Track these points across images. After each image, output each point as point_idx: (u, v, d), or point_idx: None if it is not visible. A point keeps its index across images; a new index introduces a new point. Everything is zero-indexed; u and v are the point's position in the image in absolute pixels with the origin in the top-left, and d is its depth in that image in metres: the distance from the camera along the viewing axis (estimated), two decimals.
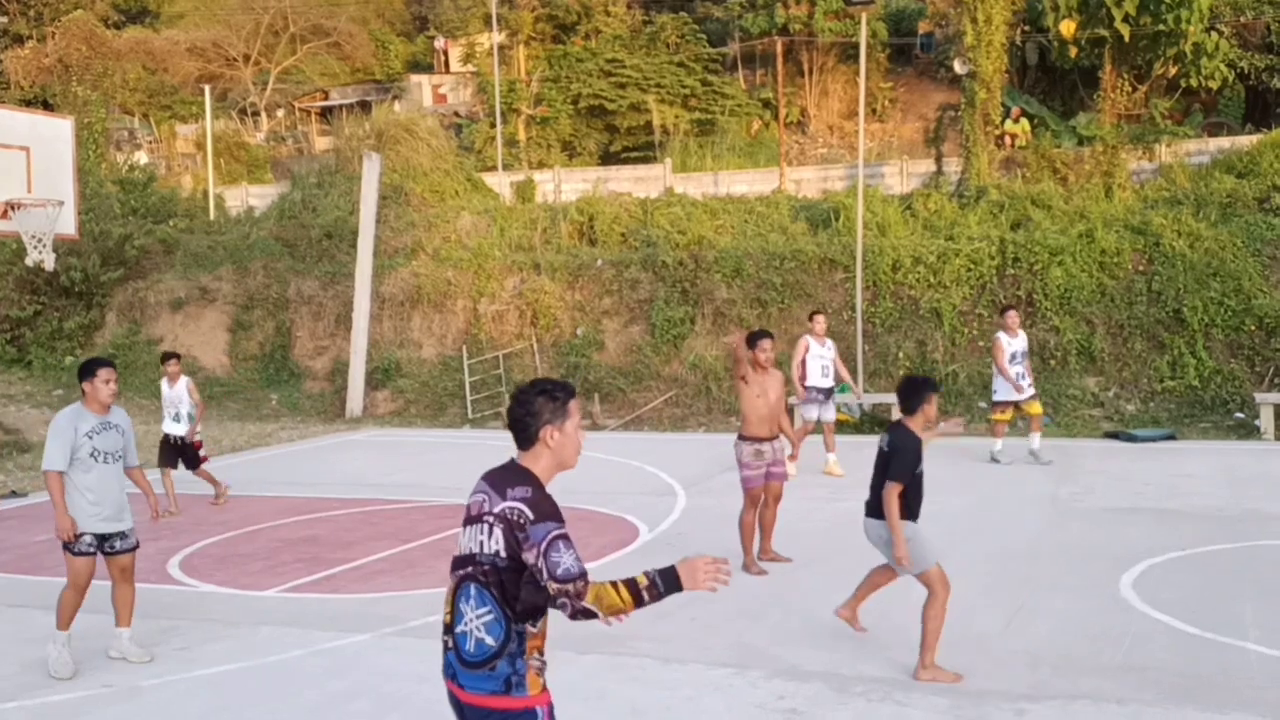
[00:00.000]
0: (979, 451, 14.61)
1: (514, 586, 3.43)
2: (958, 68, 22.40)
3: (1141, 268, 18.47)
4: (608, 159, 29.15)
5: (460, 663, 3.51)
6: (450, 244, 23.37)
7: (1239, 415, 16.55)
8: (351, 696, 6.34)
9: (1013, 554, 9.25)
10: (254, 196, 28.42)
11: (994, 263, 18.96)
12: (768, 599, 8.04)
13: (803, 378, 13.40)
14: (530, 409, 3.58)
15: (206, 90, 30.46)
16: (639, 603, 3.40)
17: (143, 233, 24.82)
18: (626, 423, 19.13)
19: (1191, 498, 11.41)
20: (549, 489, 3.53)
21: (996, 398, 13.79)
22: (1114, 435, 15.95)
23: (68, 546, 6.83)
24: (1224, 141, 22.02)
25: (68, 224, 13.75)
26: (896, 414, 7.25)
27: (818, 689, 6.24)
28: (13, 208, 12.95)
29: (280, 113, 37.95)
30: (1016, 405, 13.66)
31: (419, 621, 7.54)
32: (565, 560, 3.35)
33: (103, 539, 6.91)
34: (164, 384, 12.63)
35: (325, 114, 36.73)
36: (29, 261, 13.63)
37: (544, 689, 3.52)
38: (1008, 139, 23.22)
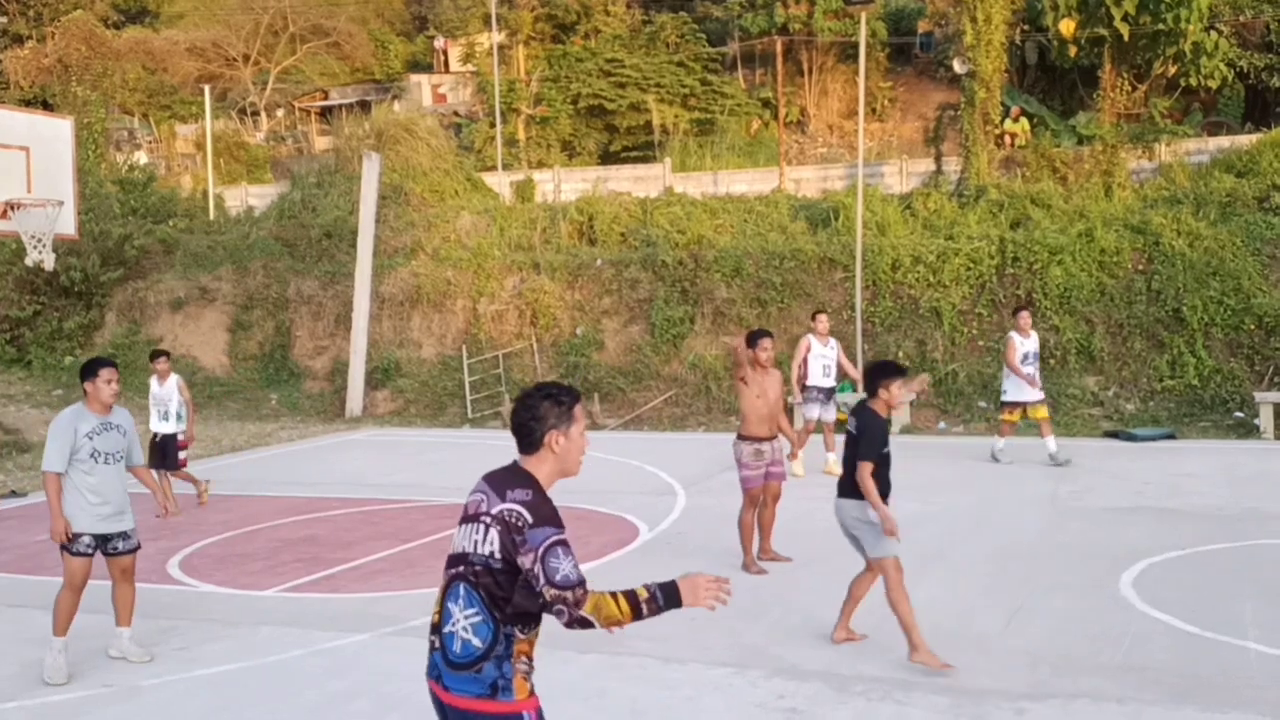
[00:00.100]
0: (979, 451, 14.62)
1: (504, 589, 3.38)
2: (957, 67, 22.40)
3: (1141, 267, 18.47)
4: (607, 159, 29.15)
5: (446, 663, 3.45)
6: (450, 244, 23.37)
7: (1238, 414, 16.55)
8: (351, 696, 6.34)
9: (1013, 553, 9.25)
10: (254, 196, 28.42)
11: (993, 262, 18.96)
12: (768, 599, 8.04)
13: (804, 377, 13.39)
14: (535, 413, 3.53)
15: (206, 90, 30.46)
16: (637, 615, 3.34)
17: (142, 233, 24.82)
18: (626, 422, 19.14)
19: (1191, 497, 11.41)
20: (549, 494, 3.49)
21: (1006, 398, 13.69)
22: (1114, 434, 15.95)
23: (66, 547, 6.79)
24: (1223, 141, 22.03)
25: (67, 224, 13.74)
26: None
27: (817, 688, 6.24)
28: (12, 208, 12.94)
29: (280, 113, 37.95)
30: (1025, 407, 13.56)
31: (419, 621, 7.53)
32: (564, 567, 3.31)
33: (104, 539, 6.88)
34: (153, 382, 12.46)
35: (325, 114, 36.73)
36: (29, 261, 13.62)
37: (531, 693, 3.47)
38: (1007, 138, 23.22)
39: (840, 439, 13.79)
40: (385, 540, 10.44)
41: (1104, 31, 21.84)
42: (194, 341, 23.69)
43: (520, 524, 3.36)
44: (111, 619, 7.13)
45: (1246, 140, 21.34)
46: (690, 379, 19.86)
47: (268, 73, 37.43)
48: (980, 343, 18.70)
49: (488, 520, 3.43)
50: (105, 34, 35.48)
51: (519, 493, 3.43)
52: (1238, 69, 23.47)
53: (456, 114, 32.97)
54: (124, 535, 6.97)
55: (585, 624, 3.30)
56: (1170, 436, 15.59)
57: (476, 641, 3.40)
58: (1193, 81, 23.02)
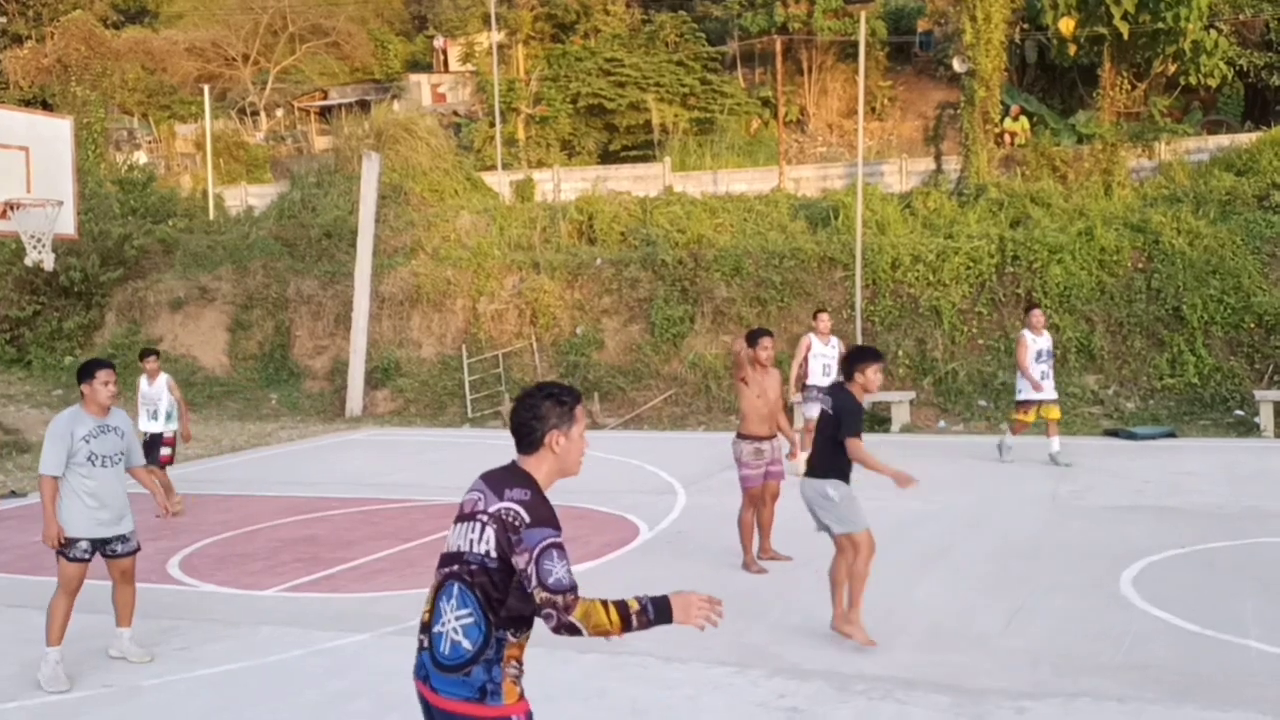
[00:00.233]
0: (979, 450, 14.63)
1: (500, 589, 3.33)
2: (957, 66, 22.40)
3: (1141, 265, 18.47)
4: (607, 158, 29.15)
5: (434, 665, 3.40)
6: (449, 243, 23.36)
7: (1239, 413, 16.55)
8: (352, 696, 6.34)
9: (1013, 552, 9.25)
10: (253, 196, 28.41)
11: (993, 261, 18.96)
12: (768, 598, 8.03)
13: (804, 376, 13.37)
14: (537, 413, 3.49)
15: (205, 90, 30.44)
16: (626, 627, 3.28)
17: (142, 233, 24.81)
18: (626, 421, 19.14)
19: (1191, 495, 11.41)
20: (548, 495, 3.46)
21: (1021, 396, 13.54)
22: (1114, 433, 15.95)
23: (62, 552, 6.71)
24: (1223, 139, 22.03)
25: (67, 224, 13.74)
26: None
27: (818, 687, 6.23)
28: (12, 208, 12.94)
29: (279, 112, 37.94)
30: (1038, 406, 13.43)
31: (419, 621, 7.53)
32: (557, 570, 3.27)
33: (103, 543, 6.82)
34: (142, 381, 12.29)
35: (324, 113, 36.71)
36: (28, 261, 13.61)
37: (521, 697, 3.42)
38: (1007, 137, 23.22)
39: None
40: (385, 540, 10.44)
41: (1104, 30, 21.84)
42: (194, 341, 23.69)
43: (517, 523, 3.32)
44: (111, 619, 7.13)
45: (1246, 139, 21.34)
46: (690, 378, 19.86)
47: (267, 72, 37.41)
48: (980, 341, 18.70)
49: (484, 519, 3.38)
50: (104, 34, 35.47)
51: (517, 492, 3.39)
52: (1237, 67, 23.47)
53: (456, 113, 32.96)
54: (123, 538, 6.92)
55: (573, 630, 3.25)
56: (1170, 435, 15.59)
57: (466, 644, 3.35)
58: (1192, 80, 23.02)
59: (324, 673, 6.76)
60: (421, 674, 3.46)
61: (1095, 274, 18.46)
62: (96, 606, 7.27)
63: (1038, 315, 13.61)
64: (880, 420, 17.53)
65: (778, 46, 27.89)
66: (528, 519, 3.32)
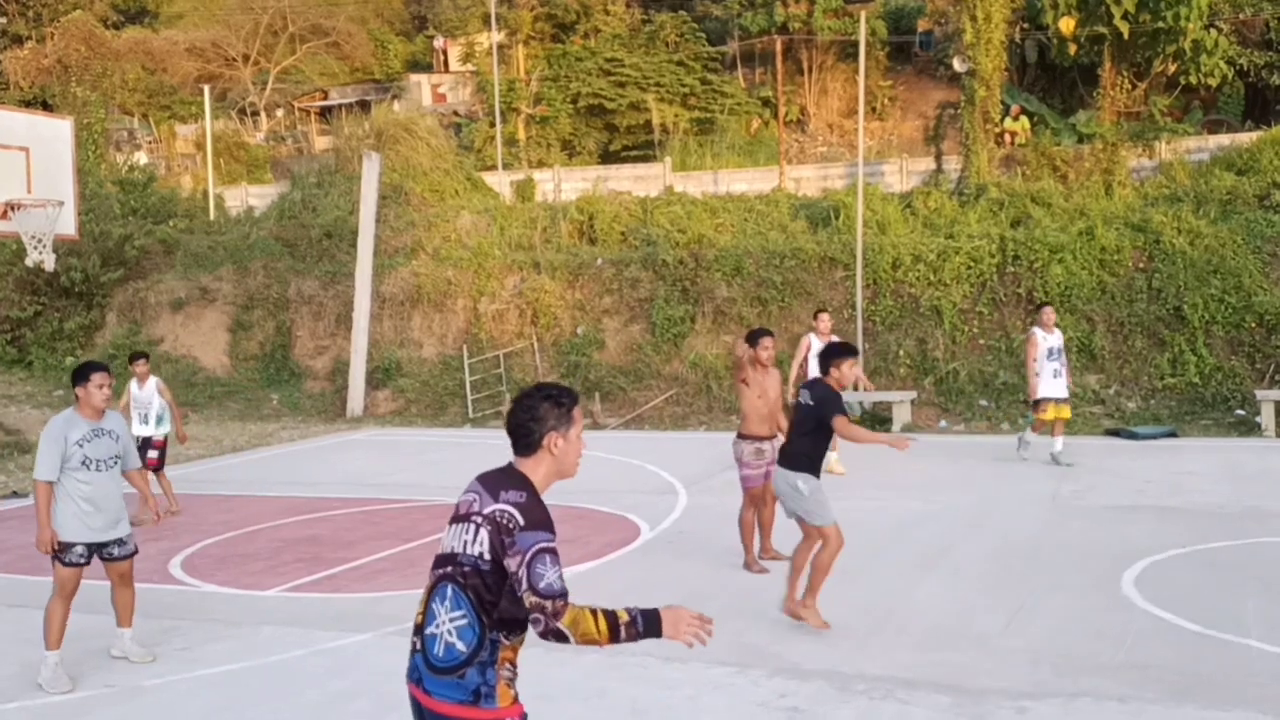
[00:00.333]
0: (980, 449, 14.63)
1: (493, 591, 3.30)
2: (957, 65, 22.40)
3: (1142, 265, 18.47)
4: (607, 158, 29.15)
5: (428, 667, 3.36)
6: (450, 243, 23.37)
7: (1240, 412, 16.54)
8: (353, 696, 6.34)
9: (1014, 552, 9.24)
10: (254, 196, 28.42)
11: (994, 260, 18.96)
12: (768, 598, 8.02)
13: (804, 376, 13.34)
14: (535, 414, 3.46)
15: (206, 90, 30.45)
16: (614, 638, 3.24)
17: (143, 233, 24.82)
18: (627, 421, 19.14)
19: (1193, 495, 11.41)
20: (544, 497, 3.43)
21: (1035, 396, 13.41)
22: (1115, 433, 15.94)
23: (58, 556, 6.67)
24: (1224, 139, 22.03)
25: (67, 224, 13.74)
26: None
27: (819, 687, 6.23)
28: (12, 208, 12.94)
29: (280, 113, 37.95)
30: (1054, 403, 13.29)
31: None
32: (549, 575, 3.23)
33: (99, 546, 6.78)
34: (133, 385, 12.11)
35: (325, 114, 36.72)
36: (29, 262, 13.62)
37: (515, 700, 3.39)
38: (1007, 137, 23.22)
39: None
40: (386, 540, 10.44)
41: (1104, 29, 21.84)
42: (195, 342, 23.70)
43: (511, 525, 3.29)
44: (112, 619, 7.12)
45: (1247, 138, 21.34)
46: (691, 378, 19.86)
47: (267, 73, 37.43)
48: (981, 341, 18.71)
49: (479, 520, 3.36)
50: (105, 34, 35.49)
51: (513, 494, 3.36)
52: (1238, 67, 23.47)
53: (456, 113, 32.97)
54: (119, 542, 6.87)
55: (560, 637, 3.22)
56: (1171, 435, 15.58)
57: (460, 645, 3.32)
58: (1193, 79, 23.02)
59: (325, 673, 6.76)
60: (414, 676, 3.42)
61: (1096, 274, 18.46)
62: (97, 607, 7.27)
63: (1048, 313, 13.52)
64: (881, 420, 17.53)
65: (778, 46, 27.89)
66: (522, 521, 3.30)
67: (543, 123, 29.53)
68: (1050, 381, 13.23)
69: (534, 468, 3.47)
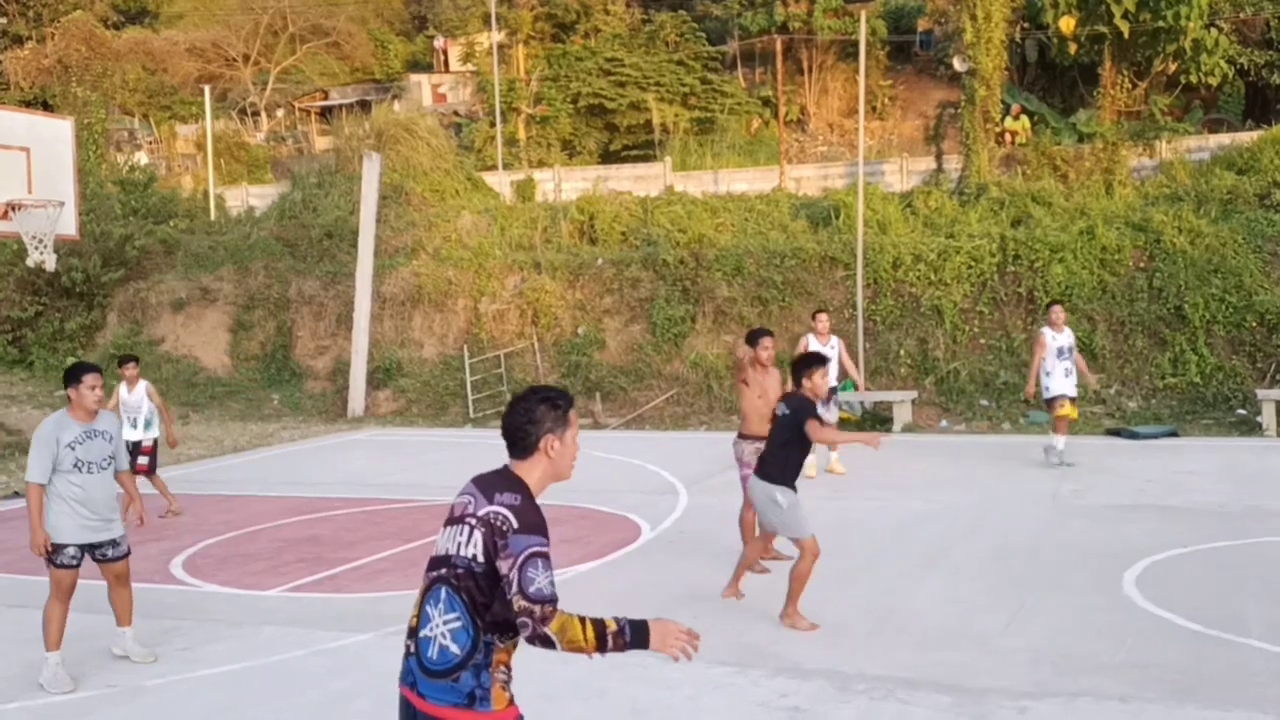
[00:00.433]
0: (980, 450, 14.63)
1: (486, 594, 3.29)
2: (957, 65, 22.40)
3: (1142, 264, 18.47)
4: (608, 158, 29.15)
5: (422, 670, 3.35)
6: (451, 243, 23.37)
7: (1241, 412, 16.54)
8: (354, 696, 6.35)
9: (1014, 552, 9.25)
10: (254, 196, 28.42)
11: (995, 260, 18.96)
12: (769, 597, 8.02)
13: None
14: (532, 417, 3.45)
15: (206, 90, 30.46)
16: (601, 647, 3.22)
17: (143, 233, 24.83)
18: (628, 421, 19.14)
19: (1193, 495, 11.41)
20: (539, 500, 3.42)
21: (1048, 395, 13.18)
22: (1115, 432, 15.93)
23: (51, 558, 6.65)
24: (1224, 138, 22.02)
25: (68, 225, 13.76)
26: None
27: (820, 687, 6.24)
28: (13, 208, 12.95)
29: (280, 113, 37.96)
30: (1067, 400, 13.08)
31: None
32: (540, 579, 3.22)
33: (93, 547, 6.76)
34: (122, 388, 11.88)
35: (325, 114, 36.73)
36: (30, 262, 13.63)
37: (510, 703, 3.38)
38: (1008, 136, 23.22)
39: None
40: (387, 540, 10.44)
41: (1104, 29, 21.84)
42: (195, 342, 23.71)
43: (505, 528, 3.28)
44: (113, 618, 7.12)
45: (1247, 137, 21.33)
46: (692, 378, 19.86)
47: (268, 73, 37.43)
48: (982, 341, 18.71)
49: (473, 522, 3.35)
50: (105, 34, 35.49)
51: (507, 496, 3.35)
52: (1238, 66, 23.46)
53: (456, 113, 32.98)
54: (113, 543, 6.84)
55: (547, 642, 3.20)
56: (1172, 434, 15.58)
57: (454, 648, 3.31)
58: (1193, 79, 23.01)
59: (326, 673, 6.77)
60: (408, 679, 3.41)
61: (1097, 273, 18.46)
62: (97, 606, 7.27)
63: (1058, 312, 13.33)
64: (882, 420, 17.53)
65: (778, 46, 27.90)
66: (516, 524, 3.29)
67: (543, 123, 29.53)
68: (1062, 380, 13.02)
69: (530, 470, 3.46)
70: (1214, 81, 23.04)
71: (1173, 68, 23.08)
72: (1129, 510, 10.71)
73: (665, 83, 28.75)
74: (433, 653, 3.34)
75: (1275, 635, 6.84)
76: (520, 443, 3.47)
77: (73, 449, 6.61)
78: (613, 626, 3.25)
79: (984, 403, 17.88)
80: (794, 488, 7.41)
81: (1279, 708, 5.73)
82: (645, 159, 27.61)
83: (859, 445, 14.23)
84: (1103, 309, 18.26)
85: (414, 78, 36.45)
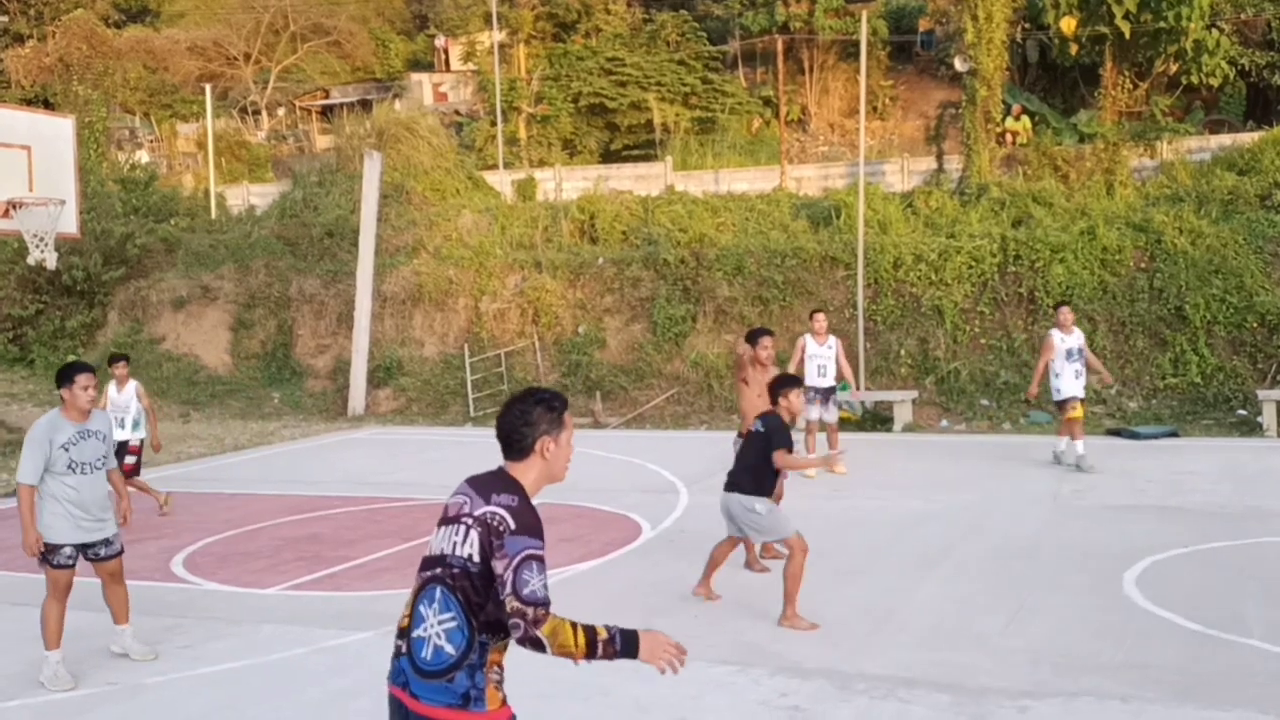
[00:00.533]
0: (981, 449, 14.62)
1: (481, 594, 3.30)
2: (958, 65, 22.40)
3: (1143, 265, 18.47)
4: (608, 157, 29.16)
5: (415, 670, 3.34)
6: (451, 242, 23.38)
7: (1241, 412, 16.54)
8: (354, 694, 6.35)
9: (1014, 551, 9.25)
10: (255, 195, 28.44)
11: (995, 260, 18.96)
12: (770, 596, 8.02)
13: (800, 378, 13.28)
14: (528, 419, 3.47)
15: (207, 89, 30.47)
16: (591, 653, 3.23)
17: (144, 231, 24.83)
18: (628, 420, 19.14)
19: (1194, 495, 11.41)
20: (534, 502, 3.43)
21: (1059, 397, 12.97)
22: (1116, 432, 15.93)
23: (46, 558, 6.64)
24: (1225, 139, 22.03)
25: (69, 223, 13.76)
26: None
27: (820, 686, 6.24)
28: (14, 207, 12.96)
29: (281, 111, 37.98)
30: (1079, 402, 12.89)
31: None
32: (534, 582, 3.23)
33: (87, 547, 6.75)
34: (111, 387, 11.74)
35: (326, 113, 36.76)
36: (31, 260, 13.63)
37: (504, 703, 3.38)
38: (1009, 136, 23.22)
39: (846, 436, 13.92)
40: (387, 539, 10.45)
41: (1105, 29, 21.84)
42: (196, 340, 23.71)
43: (501, 528, 3.29)
44: (112, 616, 7.12)
45: (1248, 138, 21.33)
46: (692, 377, 19.87)
47: (269, 72, 37.45)
48: (982, 341, 18.71)
49: (469, 522, 3.35)
50: (106, 33, 35.51)
51: (504, 497, 3.36)
52: (1239, 67, 23.46)
53: (458, 113, 33.00)
54: (106, 542, 6.82)
55: (537, 645, 3.21)
56: (1173, 434, 15.58)
57: (449, 649, 3.31)
58: (1194, 79, 23.01)
59: (326, 671, 6.77)
60: (399, 680, 3.39)
61: (1097, 273, 18.46)
62: (97, 605, 7.27)
63: (1066, 313, 13.17)
64: (883, 420, 17.53)
65: (779, 46, 27.90)
66: (513, 525, 3.29)
67: (544, 122, 29.54)
68: (1072, 382, 12.85)
69: (525, 471, 3.48)
70: (1215, 82, 23.04)
71: (1174, 68, 23.08)
72: (1129, 510, 10.71)
73: (666, 82, 28.75)
74: (427, 653, 3.34)
75: (1275, 635, 6.84)
76: (516, 444, 3.48)
77: (67, 450, 6.58)
78: (603, 634, 3.26)
79: (984, 403, 17.88)
80: (770, 494, 7.62)
81: (1279, 708, 5.73)
82: (646, 158, 27.61)
83: (851, 448, 14.26)
84: (1103, 309, 18.26)
85: (415, 77, 36.48)
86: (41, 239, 13.17)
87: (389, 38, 39.96)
